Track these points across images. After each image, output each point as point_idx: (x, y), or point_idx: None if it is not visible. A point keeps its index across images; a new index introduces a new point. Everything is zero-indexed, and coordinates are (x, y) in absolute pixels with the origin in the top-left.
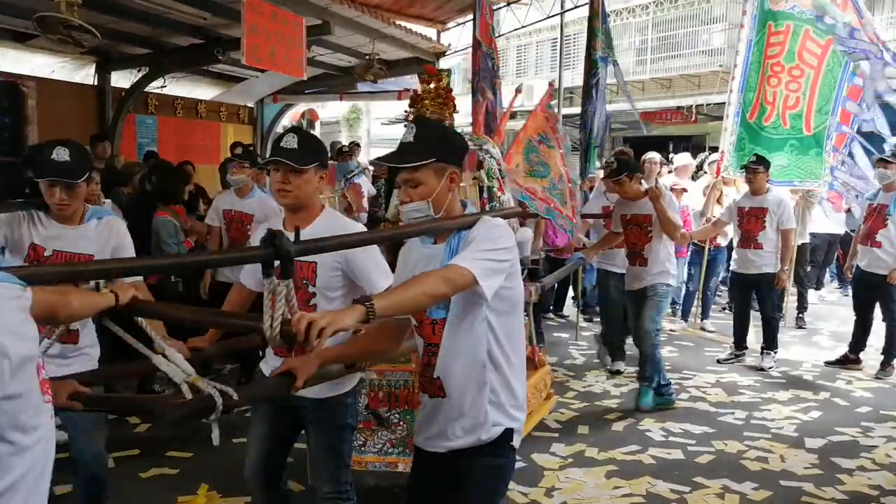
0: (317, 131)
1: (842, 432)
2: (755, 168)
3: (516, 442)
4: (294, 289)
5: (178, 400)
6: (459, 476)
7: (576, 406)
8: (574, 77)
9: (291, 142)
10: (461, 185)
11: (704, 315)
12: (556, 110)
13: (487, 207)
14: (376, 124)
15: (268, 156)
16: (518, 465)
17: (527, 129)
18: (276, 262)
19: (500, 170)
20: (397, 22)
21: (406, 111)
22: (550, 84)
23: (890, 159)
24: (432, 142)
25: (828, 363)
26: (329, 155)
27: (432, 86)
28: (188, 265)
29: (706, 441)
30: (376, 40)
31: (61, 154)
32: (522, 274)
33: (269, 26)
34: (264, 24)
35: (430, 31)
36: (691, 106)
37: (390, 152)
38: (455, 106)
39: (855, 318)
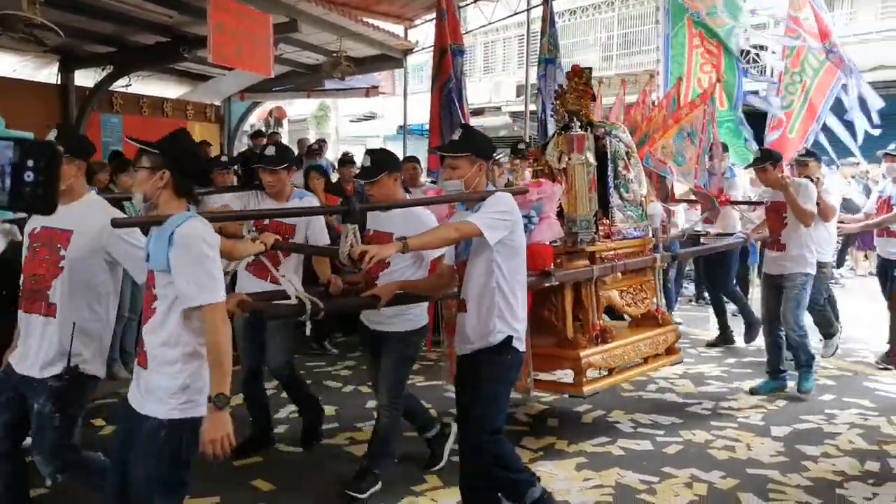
0: (285, 129)
1: (806, 420)
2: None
3: (518, 346)
4: (358, 231)
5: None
6: (474, 368)
7: (546, 399)
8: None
9: (271, 150)
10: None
11: (669, 307)
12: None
13: (612, 183)
14: (345, 121)
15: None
16: None
17: (683, 118)
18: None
19: (627, 152)
20: (364, 19)
21: (553, 103)
22: (719, 79)
23: (894, 153)
24: (469, 142)
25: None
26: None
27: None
28: (285, 214)
29: (674, 431)
30: (343, 37)
31: (270, 150)
32: (654, 244)
33: (235, 24)
34: (231, 22)
35: (398, 28)
36: (654, 101)
37: (443, 145)
38: (594, 98)
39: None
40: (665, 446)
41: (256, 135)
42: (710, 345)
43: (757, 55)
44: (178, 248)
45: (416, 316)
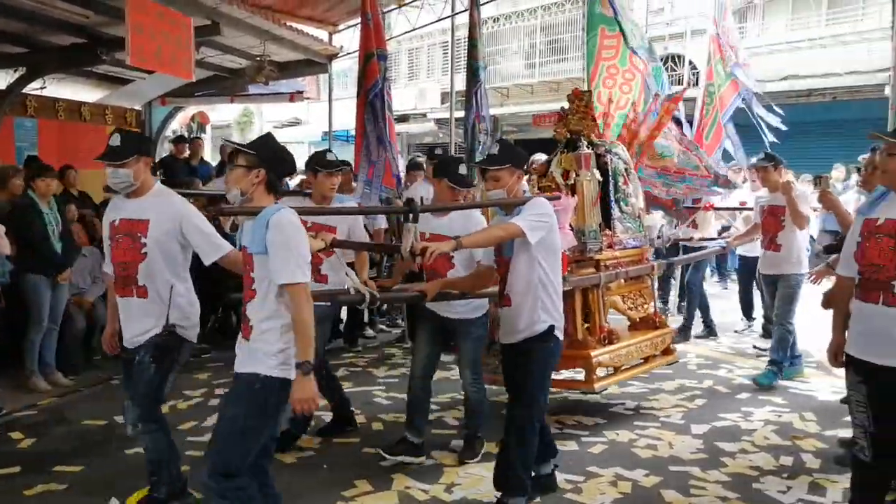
0: (208, 135)
1: (724, 418)
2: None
3: (558, 334)
4: (418, 230)
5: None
6: (524, 355)
7: None
8: (465, 81)
9: (332, 156)
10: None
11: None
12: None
13: (613, 197)
14: (269, 127)
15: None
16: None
17: (656, 131)
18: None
19: (626, 168)
20: (288, 23)
21: (556, 130)
22: (681, 93)
23: None
24: (508, 154)
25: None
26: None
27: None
28: (347, 212)
29: (598, 431)
30: (267, 42)
31: (331, 156)
32: (652, 252)
33: (155, 26)
34: (150, 24)
35: (322, 33)
36: None
37: (483, 158)
38: (594, 119)
39: None
40: (590, 446)
41: (178, 140)
42: None
43: (673, 66)
44: (274, 232)
45: (481, 304)
